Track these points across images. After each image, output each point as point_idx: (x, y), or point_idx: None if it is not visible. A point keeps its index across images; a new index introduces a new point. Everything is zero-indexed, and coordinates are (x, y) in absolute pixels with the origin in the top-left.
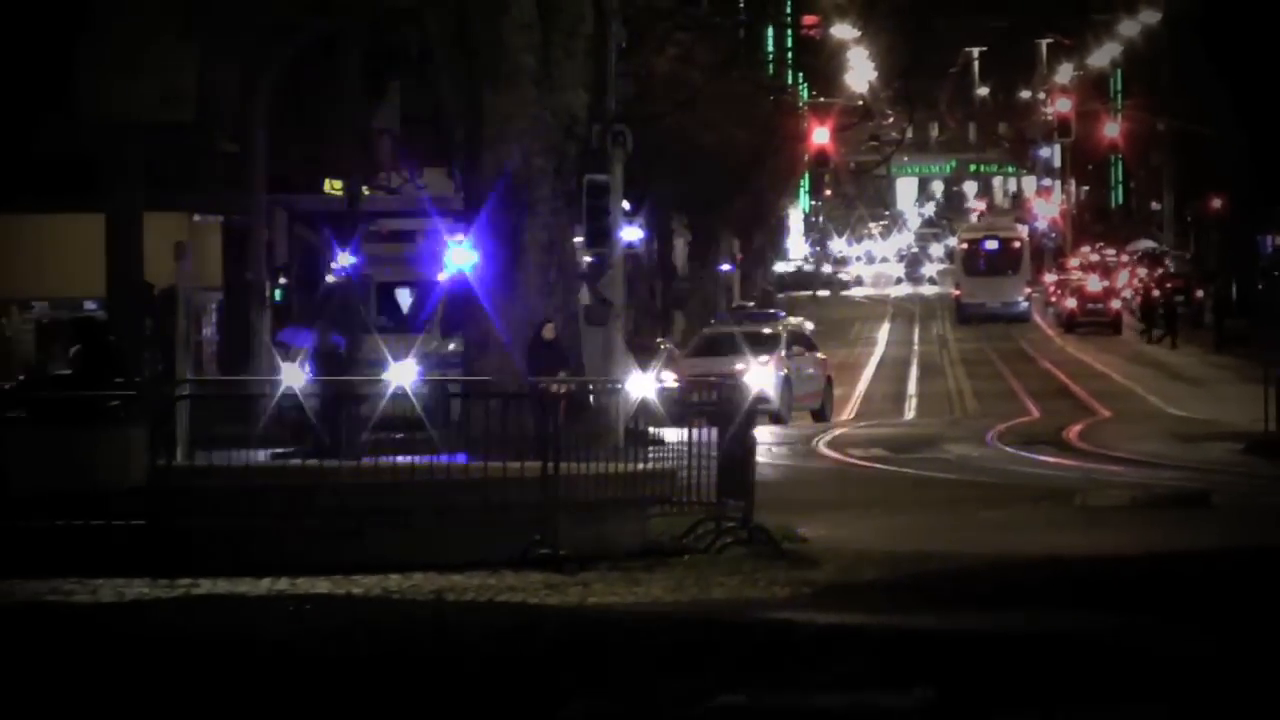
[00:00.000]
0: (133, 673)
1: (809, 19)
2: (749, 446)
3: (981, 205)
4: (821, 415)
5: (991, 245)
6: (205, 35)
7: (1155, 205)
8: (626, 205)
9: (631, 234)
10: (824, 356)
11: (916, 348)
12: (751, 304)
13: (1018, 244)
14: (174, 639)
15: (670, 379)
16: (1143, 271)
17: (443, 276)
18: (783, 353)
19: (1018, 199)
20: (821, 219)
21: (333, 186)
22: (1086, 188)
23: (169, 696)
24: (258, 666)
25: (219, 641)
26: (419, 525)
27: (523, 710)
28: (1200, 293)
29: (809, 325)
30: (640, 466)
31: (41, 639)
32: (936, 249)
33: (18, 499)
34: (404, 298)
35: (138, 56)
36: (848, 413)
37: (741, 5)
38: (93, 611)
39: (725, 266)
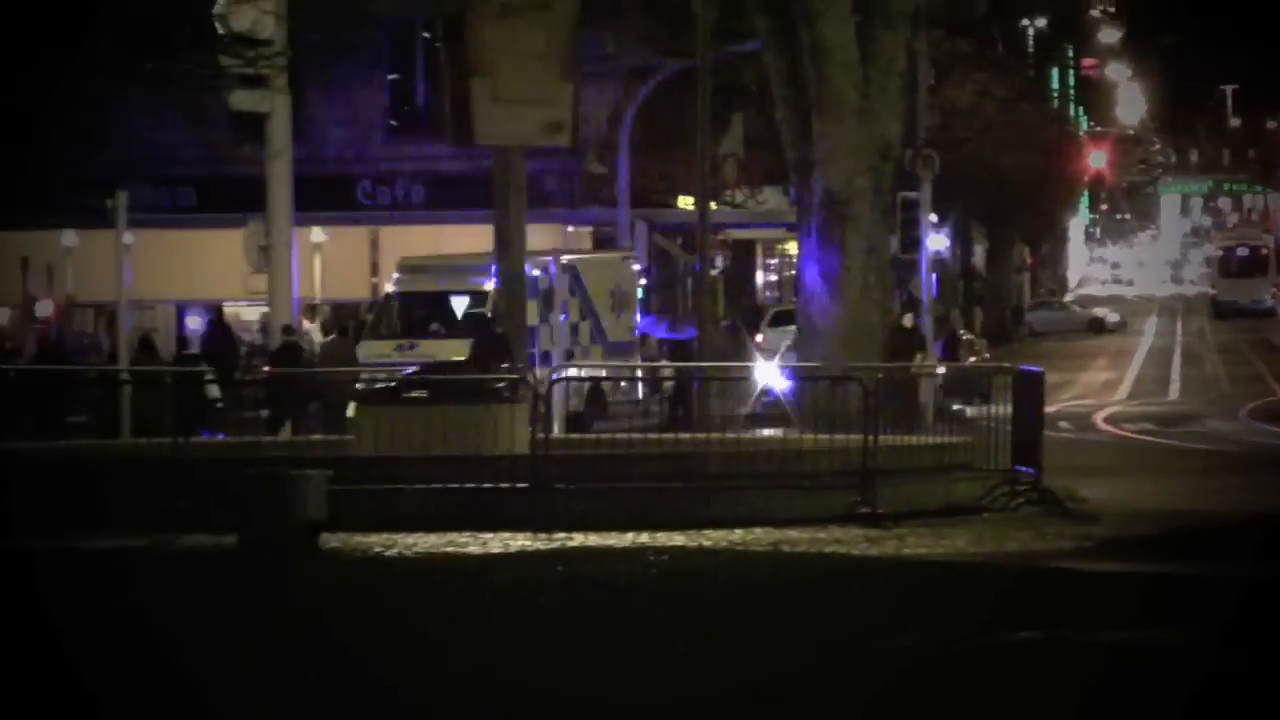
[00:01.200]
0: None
1: (1088, 61)
2: (1038, 421)
3: (1235, 218)
4: None
5: (1243, 252)
6: (581, 75)
7: None
8: (934, 217)
9: (938, 242)
10: None
11: (1179, 338)
12: (1054, 298)
13: (1265, 251)
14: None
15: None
16: None
17: None
18: None
19: (1265, 213)
20: (1099, 230)
21: (684, 202)
22: None
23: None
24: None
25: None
26: (759, 489)
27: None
28: None
29: (1114, 317)
30: (946, 439)
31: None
32: (1196, 255)
33: (419, 464)
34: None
35: (526, 93)
36: (1121, 393)
37: (1031, 50)
38: (483, 560)
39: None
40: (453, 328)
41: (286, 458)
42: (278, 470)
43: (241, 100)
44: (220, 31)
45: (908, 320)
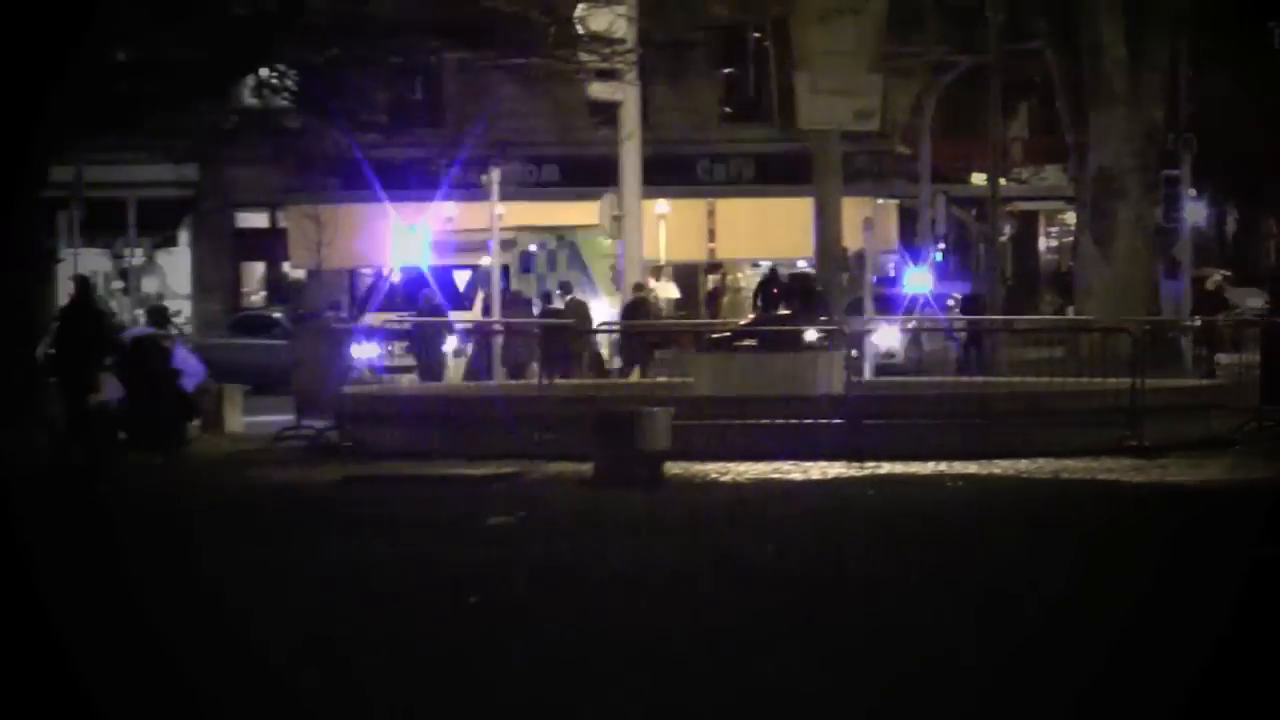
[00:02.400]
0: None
1: None
2: None
3: None
4: None
5: None
6: (888, 68)
7: None
8: (1193, 191)
9: (1196, 213)
10: None
11: None
12: None
13: None
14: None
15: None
16: None
17: None
18: None
19: None
20: None
21: (977, 178)
22: None
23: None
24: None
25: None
26: (1040, 425)
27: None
28: None
29: None
30: (1202, 381)
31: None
32: None
33: (749, 404)
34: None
35: (840, 85)
36: None
37: None
38: (804, 484)
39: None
40: (453, 300)
41: (636, 396)
42: (629, 407)
43: (598, 91)
44: (580, 32)
45: (1210, 283)
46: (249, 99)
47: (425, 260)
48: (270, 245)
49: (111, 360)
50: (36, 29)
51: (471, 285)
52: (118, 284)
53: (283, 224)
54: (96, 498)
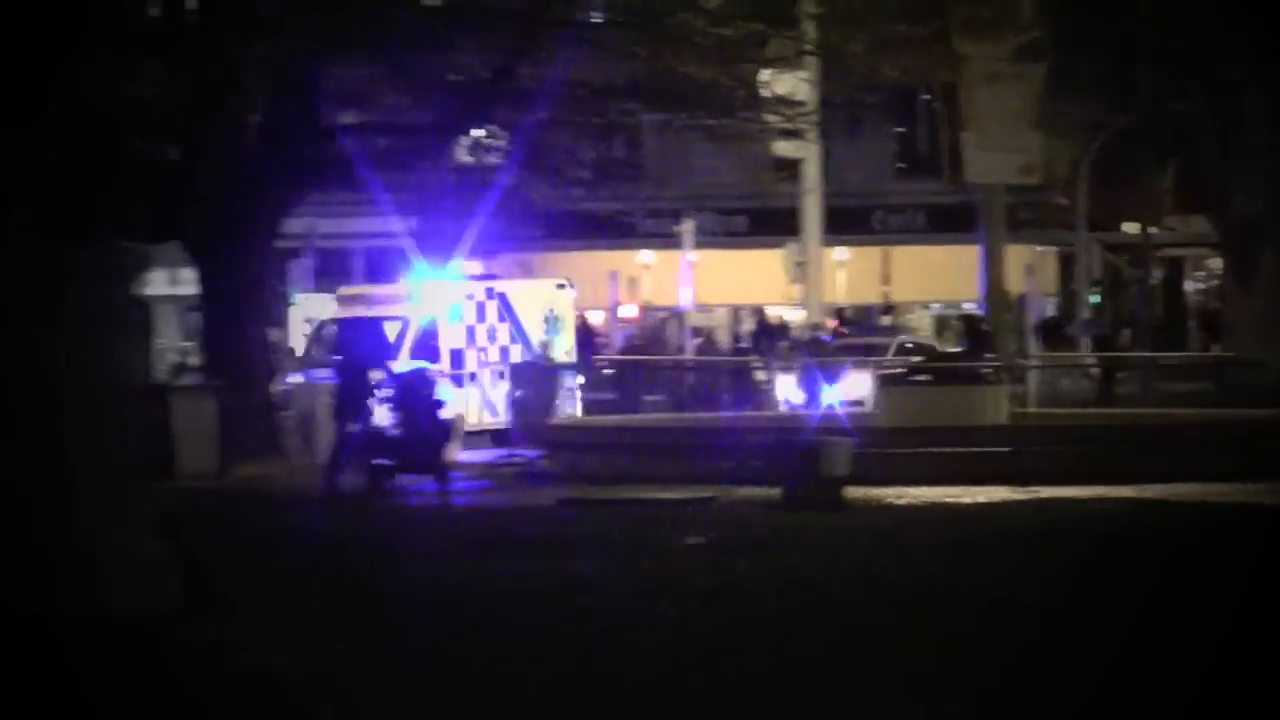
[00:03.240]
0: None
1: None
2: None
3: None
4: None
5: None
6: (1049, 126)
7: None
8: None
9: None
10: None
11: None
12: None
13: None
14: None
15: None
16: None
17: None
18: None
19: None
20: None
21: (1129, 226)
22: None
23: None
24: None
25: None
26: (1187, 450)
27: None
28: None
29: None
30: None
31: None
32: None
33: (923, 433)
34: None
35: (1005, 142)
36: None
37: None
38: (972, 506)
39: None
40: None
41: (819, 426)
42: (813, 437)
43: (782, 148)
44: (765, 95)
45: None
46: (464, 157)
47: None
48: None
49: (387, 391)
50: (275, 103)
51: (401, 336)
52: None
53: (495, 270)
54: (371, 516)
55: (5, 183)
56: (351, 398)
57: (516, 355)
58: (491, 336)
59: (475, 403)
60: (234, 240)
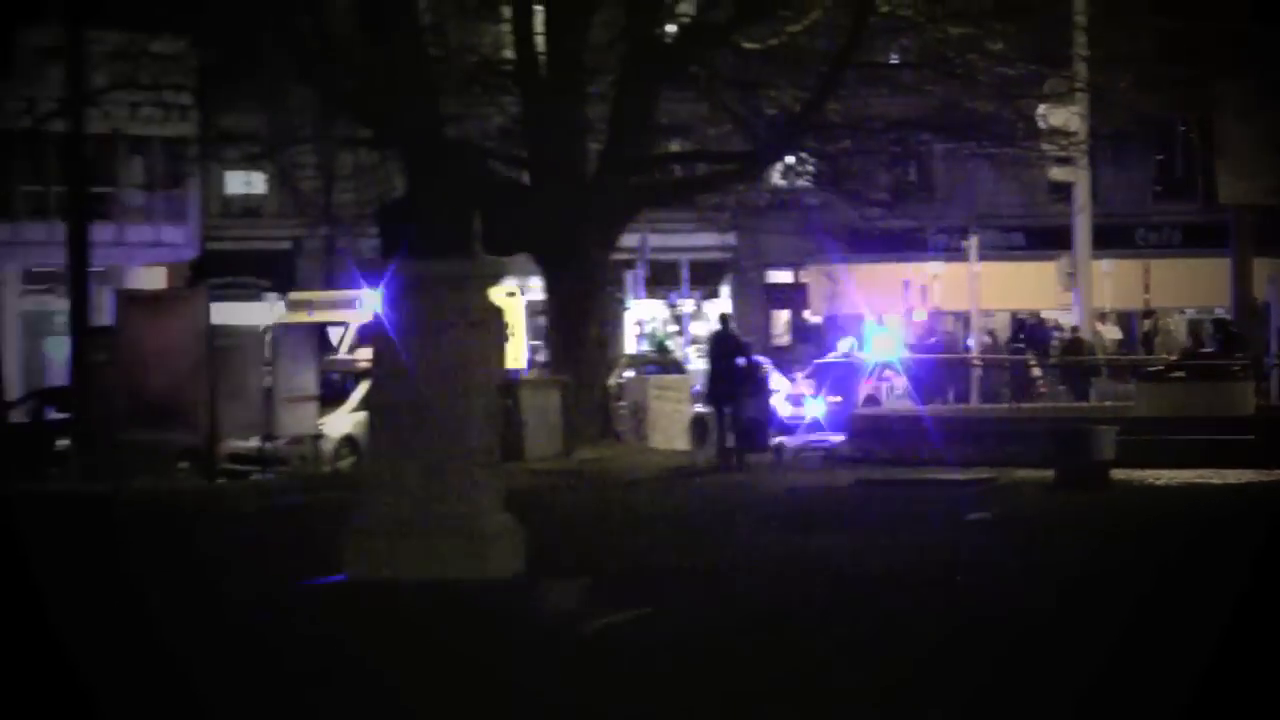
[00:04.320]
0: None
1: None
2: None
3: None
4: None
5: None
6: None
7: None
8: None
9: None
10: None
11: None
12: None
13: None
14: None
15: None
16: None
17: None
18: None
19: None
20: None
21: None
22: None
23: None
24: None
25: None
26: None
27: None
28: None
29: None
30: None
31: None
32: None
33: (1178, 422)
34: None
35: (1254, 169)
36: None
37: None
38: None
39: None
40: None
41: (1085, 416)
42: (1082, 425)
43: (1056, 174)
44: (1042, 126)
45: None
46: (778, 180)
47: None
48: (794, 296)
49: (752, 382)
50: (614, 134)
51: (341, 337)
52: (672, 327)
53: (804, 279)
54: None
55: (399, 209)
56: (725, 389)
57: None
58: None
59: None
60: (576, 253)
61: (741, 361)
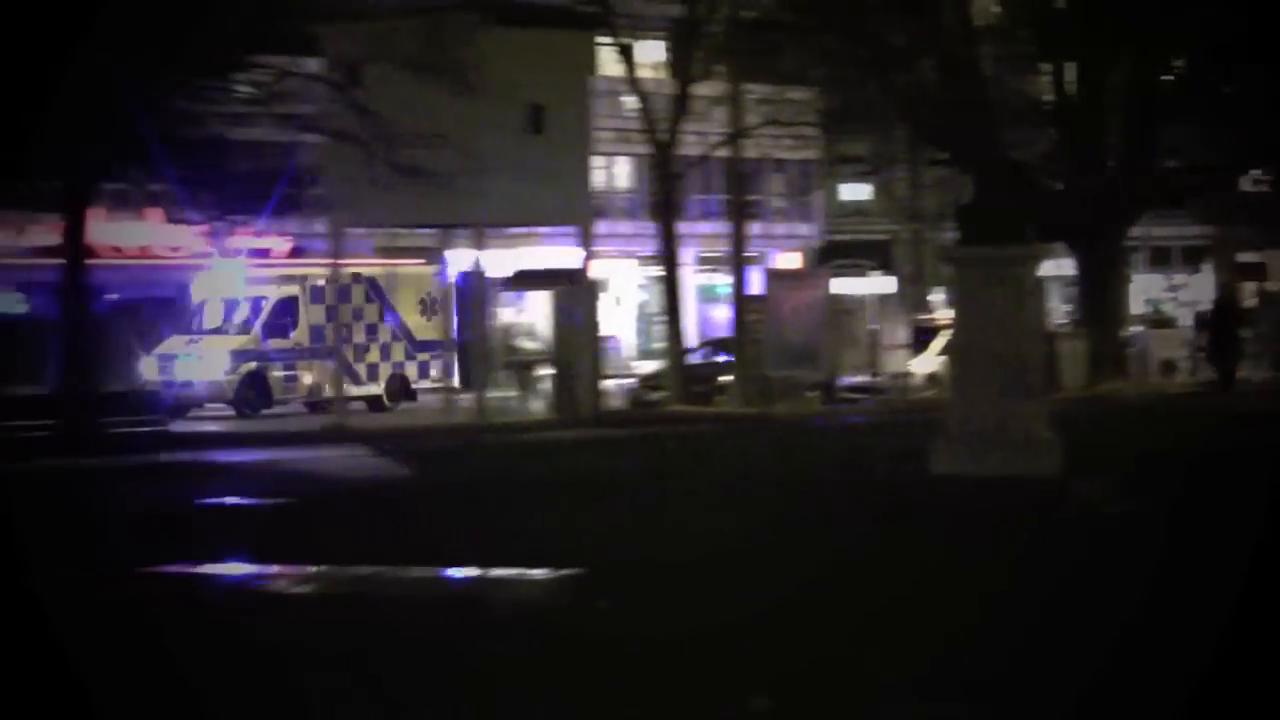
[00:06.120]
0: None
1: None
2: None
3: None
4: None
5: None
6: None
7: None
8: None
9: None
10: None
11: None
12: None
13: None
14: None
15: None
16: None
17: None
18: None
19: None
20: None
21: None
22: None
23: None
24: None
25: None
26: None
27: None
28: None
29: None
30: None
31: None
32: None
33: None
34: None
35: None
36: None
37: None
38: None
39: None
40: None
41: None
42: None
43: None
44: None
45: None
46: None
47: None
48: (1258, 270)
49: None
50: (1126, 150)
51: (254, 313)
52: (1167, 293)
53: (1263, 260)
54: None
55: (972, 210)
56: (1223, 341)
57: (384, 336)
58: (357, 316)
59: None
60: (1099, 240)
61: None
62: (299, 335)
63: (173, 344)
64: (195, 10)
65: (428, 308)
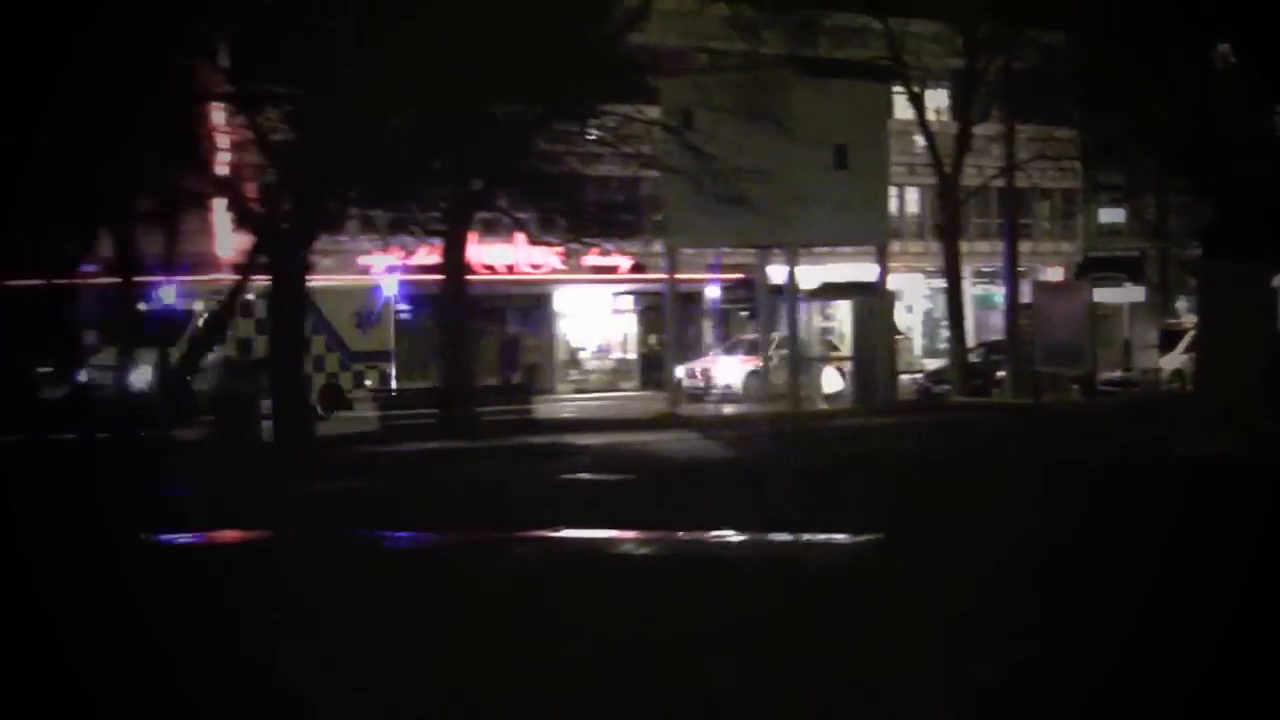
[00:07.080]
0: None
1: None
2: None
3: None
4: None
5: None
6: None
7: None
8: None
9: None
10: None
11: None
12: None
13: None
14: None
15: None
16: None
17: None
18: None
19: None
20: None
21: None
22: None
23: None
24: None
25: None
26: None
27: None
28: None
29: None
30: None
31: None
32: None
33: None
34: None
35: None
36: None
37: None
38: None
39: None
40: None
41: None
42: None
43: None
44: None
45: None
46: None
47: None
48: None
49: None
50: None
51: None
52: None
53: None
54: None
55: (1215, 230)
56: None
57: (319, 348)
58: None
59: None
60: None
61: None
62: None
63: (106, 355)
64: (559, 67)
65: (363, 320)
